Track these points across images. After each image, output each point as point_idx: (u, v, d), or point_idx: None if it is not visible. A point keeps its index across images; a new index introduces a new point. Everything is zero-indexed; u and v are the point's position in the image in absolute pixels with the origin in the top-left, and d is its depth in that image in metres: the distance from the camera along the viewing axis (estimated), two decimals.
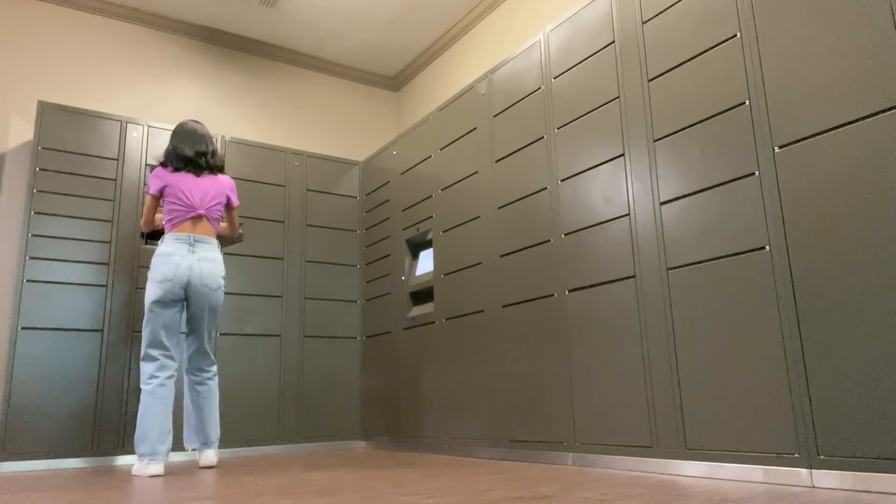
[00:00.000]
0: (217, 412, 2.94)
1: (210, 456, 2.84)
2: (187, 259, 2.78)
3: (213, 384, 2.93)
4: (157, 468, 2.57)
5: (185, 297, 2.80)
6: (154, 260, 2.77)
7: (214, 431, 2.89)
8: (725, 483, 1.77)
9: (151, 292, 2.72)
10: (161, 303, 2.72)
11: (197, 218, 2.86)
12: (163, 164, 2.90)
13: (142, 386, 2.68)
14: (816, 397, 1.68)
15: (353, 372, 3.95)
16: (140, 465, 2.59)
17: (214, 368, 2.94)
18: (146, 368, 2.70)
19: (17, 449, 2.96)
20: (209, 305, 2.85)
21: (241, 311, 3.63)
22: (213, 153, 2.97)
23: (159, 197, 2.86)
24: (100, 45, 4.08)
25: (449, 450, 3.07)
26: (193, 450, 2.91)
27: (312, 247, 3.96)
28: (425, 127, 3.56)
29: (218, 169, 2.99)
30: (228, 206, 3.03)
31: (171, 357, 2.75)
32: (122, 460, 3.18)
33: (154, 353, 2.71)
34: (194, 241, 2.82)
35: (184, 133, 2.94)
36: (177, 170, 2.87)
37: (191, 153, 2.90)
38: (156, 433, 2.61)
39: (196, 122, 3.00)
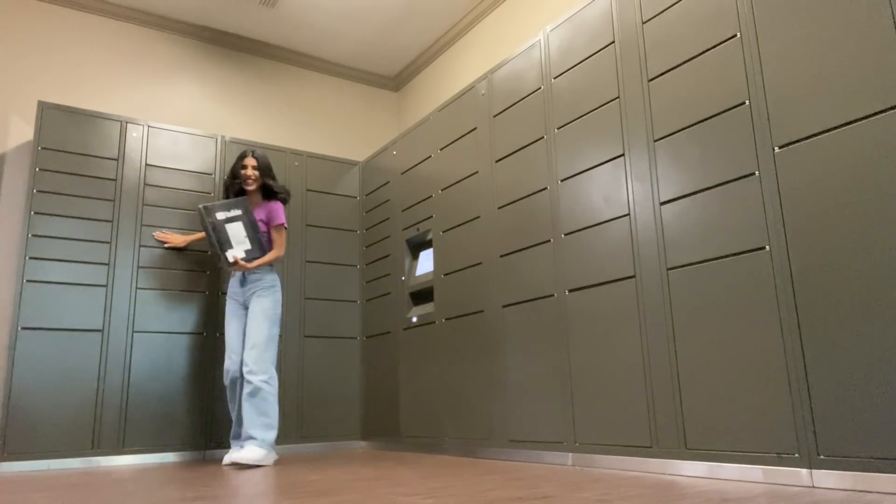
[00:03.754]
0: None
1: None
2: None
3: None
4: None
5: None
6: (278, 285, 3.21)
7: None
8: (725, 483, 1.77)
9: (281, 314, 3.32)
10: None
11: None
12: (286, 201, 3.35)
13: (274, 385, 3.02)
14: (816, 397, 1.68)
15: (353, 372, 3.95)
16: (270, 454, 2.92)
17: None
18: (274, 373, 3.06)
19: (17, 449, 2.96)
20: None
21: None
22: None
23: None
24: (100, 45, 4.08)
25: (449, 450, 3.07)
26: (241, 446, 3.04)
27: (312, 247, 3.96)
28: (425, 127, 3.56)
29: None
30: None
31: None
32: (122, 460, 3.18)
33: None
34: None
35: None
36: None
37: None
38: None
39: None
